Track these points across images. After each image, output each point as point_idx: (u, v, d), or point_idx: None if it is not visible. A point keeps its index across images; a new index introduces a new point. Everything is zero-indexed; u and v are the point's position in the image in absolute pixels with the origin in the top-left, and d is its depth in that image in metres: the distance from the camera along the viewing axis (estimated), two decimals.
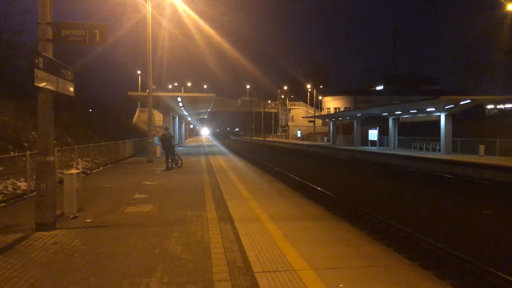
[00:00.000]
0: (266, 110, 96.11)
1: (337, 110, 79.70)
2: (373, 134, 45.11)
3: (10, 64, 26.54)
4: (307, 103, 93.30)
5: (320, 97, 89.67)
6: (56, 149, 13.05)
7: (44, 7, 7.28)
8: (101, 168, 19.00)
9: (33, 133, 16.82)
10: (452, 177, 21.38)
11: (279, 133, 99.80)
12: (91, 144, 18.37)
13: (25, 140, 15.95)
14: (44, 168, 7.22)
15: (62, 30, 7.55)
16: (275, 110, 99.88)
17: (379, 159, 33.32)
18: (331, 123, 58.19)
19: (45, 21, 7.29)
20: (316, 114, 79.86)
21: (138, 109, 69.28)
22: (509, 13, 38.03)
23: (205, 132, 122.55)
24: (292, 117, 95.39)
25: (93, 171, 17.53)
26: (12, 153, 13.67)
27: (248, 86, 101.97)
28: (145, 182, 14.08)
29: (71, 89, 8.01)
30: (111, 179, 15.09)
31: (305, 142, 67.99)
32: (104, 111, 46.02)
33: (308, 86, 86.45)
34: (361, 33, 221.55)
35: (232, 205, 9.72)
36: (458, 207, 14.14)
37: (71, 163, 15.89)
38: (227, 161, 24.25)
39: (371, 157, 35.07)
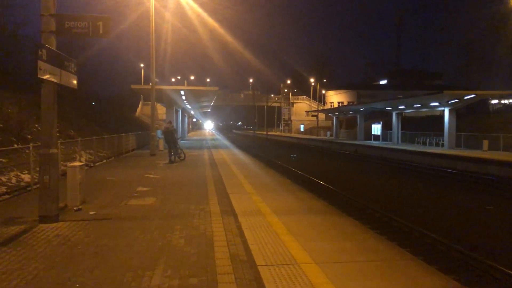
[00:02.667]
0: (269, 104, 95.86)
1: (341, 104, 79.44)
2: (376, 129, 45.00)
3: (13, 56, 26.54)
4: (310, 97, 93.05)
5: (323, 91, 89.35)
6: (59, 141, 13.06)
7: None
8: (104, 161, 19.03)
9: (36, 125, 16.85)
10: (455, 172, 21.32)
11: (282, 127, 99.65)
12: (94, 137, 18.39)
13: (28, 133, 15.97)
14: (47, 161, 7.23)
15: (66, 22, 7.51)
16: (278, 104, 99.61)
17: (382, 153, 33.25)
18: (334, 118, 58.06)
19: (48, 13, 7.25)
20: (319, 108, 79.67)
21: (141, 102, 69.35)
22: None
23: (208, 125, 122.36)
24: (300, 111, 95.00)
25: (96, 164, 17.56)
26: (15, 145, 13.70)
27: (251, 80, 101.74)
28: (148, 175, 14.09)
29: (75, 81, 7.99)
30: (114, 172, 15.11)
31: (308, 136, 67.90)
32: (107, 104, 46.08)
33: (312, 80, 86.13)
34: (365, 27, 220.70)
35: (235, 198, 9.72)
36: (461, 202, 14.10)
37: (74, 156, 15.91)
38: (230, 155, 24.24)
39: (374, 151, 35.00)
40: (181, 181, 12.88)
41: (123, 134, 23.91)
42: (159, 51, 58.88)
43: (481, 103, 45.50)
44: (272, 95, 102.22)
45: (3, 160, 11.96)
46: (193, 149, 29.03)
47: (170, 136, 19.02)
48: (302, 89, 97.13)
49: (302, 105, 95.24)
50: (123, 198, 9.81)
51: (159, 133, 28.23)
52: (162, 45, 53.40)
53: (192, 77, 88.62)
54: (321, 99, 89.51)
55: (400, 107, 37.82)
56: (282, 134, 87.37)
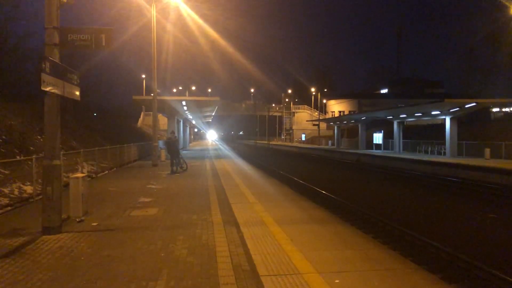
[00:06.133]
0: (270, 113, 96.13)
1: (342, 114, 79.63)
2: (378, 138, 45.00)
3: (16, 68, 26.70)
4: (311, 107, 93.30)
5: (324, 101, 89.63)
6: (61, 153, 13.12)
7: (50, 12, 7.34)
8: (106, 171, 19.06)
9: (39, 136, 16.92)
10: (457, 181, 21.27)
11: (283, 137, 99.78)
12: (96, 148, 18.44)
13: (31, 144, 16.03)
14: (50, 172, 7.27)
15: (69, 35, 7.61)
16: (280, 114, 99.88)
17: (384, 162, 33.21)
18: (335, 127, 58.12)
19: (51, 26, 7.34)
20: (320, 118, 79.82)
21: (142, 113, 69.47)
22: None
23: (210, 135, 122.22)
24: (301, 121, 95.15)
25: (99, 175, 17.58)
26: (18, 157, 13.74)
27: (252, 90, 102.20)
28: (150, 186, 14.11)
29: (77, 93, 8.06)
30: (116, 182, 15.13)
31: (310, 146, 67.87)
32: (109, 115, 46.22)
33: (313, 89, 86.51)
34: (366, 36, 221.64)
35: (237, 208, 9.73)
36: (463, 211, 14.05)
37: (76, 167, 15.94)
38: (232, 165, 24.26)
39: (376, 160, 34.97)
40: (183, 191, 12.89)
41: (125, 144, 23.98)
42: (160, 61, 59.30)
43: (483, 111, 45.45)
44: (274, 105, 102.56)
45: (6, 172, 12.01)
46: (195, 159, 29.06)
47: (173, 147, 19.10)
48: (303, 98, 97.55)
49: (303, 115, 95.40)
50: (125, 208, 9.83)
51: (161, 143, 28.33)
52: (164, 55, 53.83)
53: (193, 87, 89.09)
54: (322, 109, 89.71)
55: (401, 115, 37.86)
56: (284, 143, 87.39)
